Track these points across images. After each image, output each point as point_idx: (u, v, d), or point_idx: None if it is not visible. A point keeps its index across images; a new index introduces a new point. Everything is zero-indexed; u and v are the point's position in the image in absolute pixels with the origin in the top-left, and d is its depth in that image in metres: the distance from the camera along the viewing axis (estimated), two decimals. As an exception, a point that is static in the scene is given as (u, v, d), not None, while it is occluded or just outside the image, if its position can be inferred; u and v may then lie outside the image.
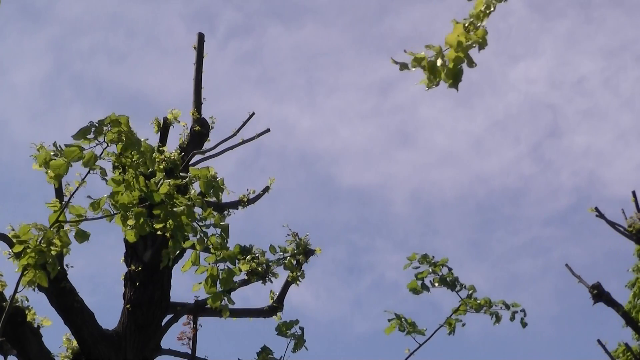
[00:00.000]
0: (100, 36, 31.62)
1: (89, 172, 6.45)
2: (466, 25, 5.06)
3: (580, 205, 34.07)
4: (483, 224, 32.53)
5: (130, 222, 6.51)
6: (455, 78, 5.05)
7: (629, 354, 16.09)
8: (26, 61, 31.02)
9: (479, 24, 5.05)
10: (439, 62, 5.04)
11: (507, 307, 9.52)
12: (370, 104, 33.46)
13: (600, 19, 32.66)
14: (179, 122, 12.66)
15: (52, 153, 6.44)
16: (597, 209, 13.06)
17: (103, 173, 6.44)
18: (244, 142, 12.97)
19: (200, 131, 12.71)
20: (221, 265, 6.63)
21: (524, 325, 9.49)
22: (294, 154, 31.96)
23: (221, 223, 6.50)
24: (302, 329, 8.38)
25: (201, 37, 13.30)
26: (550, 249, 31.53)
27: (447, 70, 5.02)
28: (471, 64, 5.05)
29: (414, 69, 5.10)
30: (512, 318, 9.52)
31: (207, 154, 12.54)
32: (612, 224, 13.12)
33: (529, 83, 32.74)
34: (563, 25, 32.61)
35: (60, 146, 6.44)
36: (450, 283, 9.52)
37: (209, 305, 9.62)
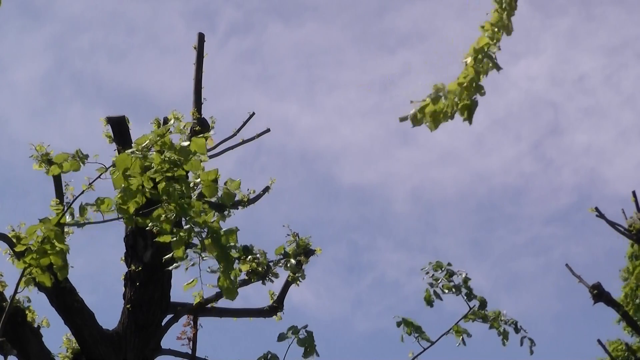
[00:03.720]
0: (100, 34, 31.65)
1: (98, 177, 6.43)
2: (476, 57, 4.98)
3: (581, 203, 34.09)
4: (484, 223, 32.55)
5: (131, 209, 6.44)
6: (469, 112, 5.00)
7: (626, 353, 16.12)
8: (26, 59, 31.03)
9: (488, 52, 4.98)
10: (443, 104, 4.97)
11: (517, 329, 9.44)
12: (371, 101, 33.46)
13: (601, 17, 32.66)
14: (180, 121, 12.67)
15: (68, 156, 6.40)
16: (597, 209, 13.04)
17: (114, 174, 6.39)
18: (244, 142, 13.00)
19: (200, 131, 12.71)
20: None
21: (532, 352, 9.42)
22: (294, 152, 31.97)
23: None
24: (310, 333, 7.95)
25: (201, 37, 13.31)
26: (551, 247, 31.55)
27: (460, 107, 4.97)
28: (481, 90, 5.00)
29: (423, 121, 5.02)
30: (521, 343, 9.46)
31: (207, 154, 12.54)
32: (612, 224, 13.10)
33: (530, 81, 32.73)
34: (564, 22, 32.61)
35: (80, 152, 6.40)
36: (464, 292, 9.44)
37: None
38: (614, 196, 31.32)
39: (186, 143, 6.31)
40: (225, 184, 6.56)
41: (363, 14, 33.11)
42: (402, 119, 5.03)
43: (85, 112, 30.31)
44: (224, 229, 6.39)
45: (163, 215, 6.40)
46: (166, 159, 6.31)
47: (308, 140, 32.77)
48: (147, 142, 6.22)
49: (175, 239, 6.43)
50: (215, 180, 6.61)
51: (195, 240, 6.52)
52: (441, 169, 33.96)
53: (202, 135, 6.60)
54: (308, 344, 7.56)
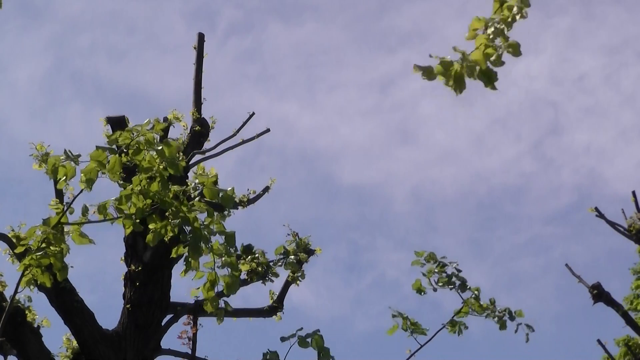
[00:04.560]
0: (99, 34, 31.64)
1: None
2: (488, 33, 4.93)
3: (581, 203, 34.10)
4: (484, 222, 32.52)
5: (152, 225, 6.50)
6: (489, 79, 4.95)
7: (625, 349, 16.12)
8: (26, 59, 31.04)
9: (502, 28, 4.92)
10: (463, 70, 4.90)
11: (512, 317, 9.43)
12: (371, 101, 33.46)
13: (601, 16, 32.64)
14: (180, 121, 12.68)
15: (62, 158, 6.43)
16: (597, 209, 13.04)
17: (115, 177, 6.42)
18: (243, 142, 12.99)
19: (200, 131, 12.72)
20: (223, 271, 6.63)
21: (527, 340, 9.40)
22: (294, 152, 31.96)
23: (226, 231, 6.48)
24: (320, 336, 7.75)
25: (201, 37, 13.31)
26: (551, 247, 31.52)
27: (478, 73, 4.91)
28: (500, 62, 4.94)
29: (440, 77, 4.92)
30: (516, 330, 9.44)
31: (207, 154, 12.55)
32: (612, 224, 13.10)
33: (530, 80, 32.68)
34: (564, 22, 32.59)
35: (70, 152, 6.43)
36: (457, 284, 9.46)
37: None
38: (614, 196, 31.33)
39: (159, 147, 6.33)
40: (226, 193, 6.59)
41: (363, 13, 33.13)
42: (419, 69, 4.91)
43: (85, 111, 30.32)
44: (205, 217, 6.43)
45: (158, 219, 6.43)
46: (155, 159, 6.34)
47: (308, 140, 32.79)
48: (114, 137, 6.29)
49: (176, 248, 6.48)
50: (216, 183, 6.65)
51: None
52: (441, 168, 33.96)
53: (175, 139, 6.67)
54: (319, 347, 7.50)
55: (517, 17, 4.95)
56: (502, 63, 4.93)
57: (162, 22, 32.18)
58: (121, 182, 6.47)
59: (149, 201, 6.34)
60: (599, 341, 12.73)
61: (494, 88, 4.95)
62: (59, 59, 31.60)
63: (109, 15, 31.42)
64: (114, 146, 6.36)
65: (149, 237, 6.55)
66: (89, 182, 6.28)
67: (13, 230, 10.80)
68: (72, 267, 11.15)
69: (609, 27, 32.73)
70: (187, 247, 6.51)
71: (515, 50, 4.95)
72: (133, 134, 6.34)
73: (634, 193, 13.24)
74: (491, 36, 4.90)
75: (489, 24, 4.93)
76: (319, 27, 33.26)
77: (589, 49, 33.60)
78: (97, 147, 6.31)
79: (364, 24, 33.49)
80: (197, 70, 13.21)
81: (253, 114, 13.20)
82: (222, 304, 7.01)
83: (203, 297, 6.90)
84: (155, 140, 6.36)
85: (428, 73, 4.91)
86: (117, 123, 11.87)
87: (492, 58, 4.89)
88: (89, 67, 31.41)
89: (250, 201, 12.72)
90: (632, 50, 32.95)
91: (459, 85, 4.91)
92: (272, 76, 32.86)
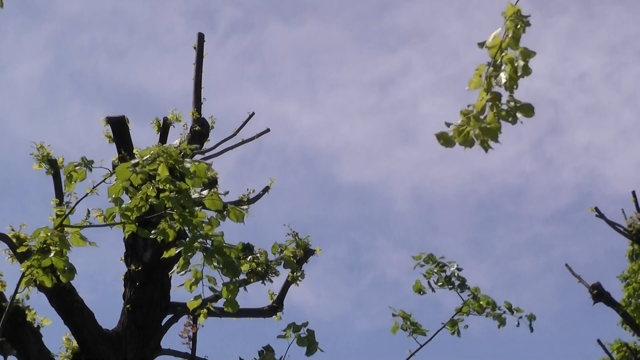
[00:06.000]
0: (99, 33, 31.64)
1: (102, 181, 6.44)
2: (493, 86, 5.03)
3: (581, 202, 34.09)
4: (484, 222, 32.51)
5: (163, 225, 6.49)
6: (493, 136, 5.09)
7: (625, 349, 16.15)
8: (25, 58, 31.02)
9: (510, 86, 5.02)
10: (473, 131, 5.05)
11: (511, 311, 9.44)
12: (371, 100, 33.45)
13: (601, 15, 32.63)
14: (180, 120, 12.70)
15: (75, 165, 6.43)
16: (597, 209, 13.02)
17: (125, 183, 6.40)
18: (243, 142, 13.02)
19: (200, 131, 12.74)
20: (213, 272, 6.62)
21: (532, 329, 9.40)
22: (294, 151, 31.96)
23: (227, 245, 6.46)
24: (311, 332, 7.93)
25: (201, 37, 13.34)
26: (551, 246, 31.51)
27: (485, 131, 5.06)
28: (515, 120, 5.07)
29: (457, 142, 5.08)
30: (518, 324, 9.45)
31: (207, 154, 12.57)
32: (612, 224, 13.10)
33: (530, 79, 32.61)
34: (564, 21, 32.56)
35: (85, 159, 6.43)
36: (457, 284, 9.46)
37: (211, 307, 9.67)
38: (614, 195, 31.34)
39: (188, 165, 6.31)
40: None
41: (363, 12, 33.12)
42: (438, 136, 5.09)
43: (84, 111, 30.31)
44: (227, 244, 6.41)
45: (166, 225, 6.42)
46: (176, 174, 6.32)
47: (308, 139, 32.79)
48: (149, 155, 6.24)
49: (182, 248, 6.45)
50: (216, 182, 6.64)
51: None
52: (441, 167, 33.96)
53: (203, 160, 6.62)
54: (310, 342, 7.56)
55: (524, 75, 5.04)
56: (516, 121, 5.05)
57: (162, 21, 32.20)
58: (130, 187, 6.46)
59: (146, 206, 6.32)
60: (599, 341, 12.75)
61: (496, 141, 5.11)
62: (59, 58, 31.63)
63: (109, 15, 31.44)
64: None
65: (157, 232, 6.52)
66: (117, 201, 6.28)
67: (13, 230, 10.81)
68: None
69: (609, 26, 32.73)
70: (180, 249, 6.49)
71: (528, 112, 5.06)
72: (164, 152, 6.29)
73: (634, 193, 13.22)
74: (494, 88, 4.97)
75: (492, 74, 5.01)
76: (319, 26, 33.27)
77: (589, 48, 33.61)
78: (124, 165, 6.24)
79: (364, 23, 33.51)
80: (197, 70, 13.24)
81: (253, 113, 13.24)
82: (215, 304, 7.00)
83: (187, 291, 6.87)
84: (180, 156, 6.34)
85: (446, 140, 5.06)
86: (117, 123, 11.88)
87: (510, 119, 4.98)
88: (89, 67, 31.44)
89: (250, 201, 12.74)
90: (632, 50, 32.96)
91: (469, 143, 5.07)
92: (272, 75, 32.89)
